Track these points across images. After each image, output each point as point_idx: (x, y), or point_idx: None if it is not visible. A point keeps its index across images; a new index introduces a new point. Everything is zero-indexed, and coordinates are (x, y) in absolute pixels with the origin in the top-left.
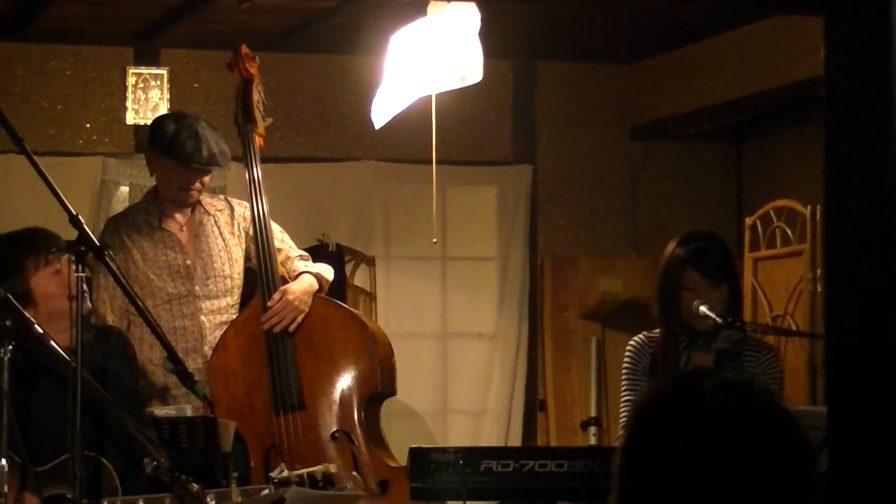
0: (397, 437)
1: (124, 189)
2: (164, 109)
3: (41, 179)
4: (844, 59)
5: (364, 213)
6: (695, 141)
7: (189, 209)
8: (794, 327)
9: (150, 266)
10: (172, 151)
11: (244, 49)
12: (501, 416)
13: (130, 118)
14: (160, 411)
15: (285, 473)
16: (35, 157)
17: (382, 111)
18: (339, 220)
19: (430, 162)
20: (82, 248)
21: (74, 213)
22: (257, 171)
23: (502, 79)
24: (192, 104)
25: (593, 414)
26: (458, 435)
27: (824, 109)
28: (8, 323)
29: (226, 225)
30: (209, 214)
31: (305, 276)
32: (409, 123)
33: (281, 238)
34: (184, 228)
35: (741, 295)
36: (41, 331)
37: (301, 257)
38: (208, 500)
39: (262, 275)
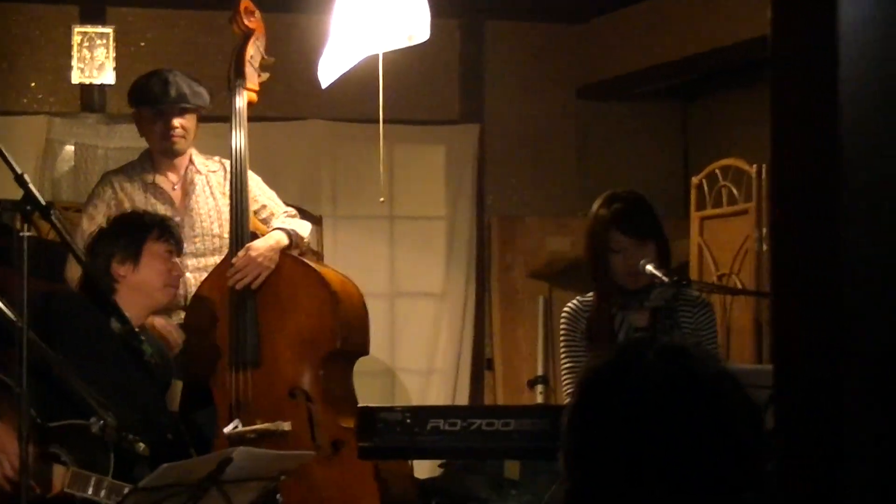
0: None
1: (69, 148)
2: (109, 69)
3: None
4: (791, 19)
5: (311, 173)
6: (643, 100)
7: (183, 169)
8: (740, 286)
9: None
10: (144, 97)
11: (244, 3)
12: (449, 375)
13: (76, 77)
14: None
15: (239, 428)
16: None
17: (329, 70)
18: (286, 179)
19: (378, 121)
20: (28, 208)
21: (20, 171)
22: (240, 127)
23: (450, 38)
24: (138, 63)
25: (540, 373)
26: (405, 394)
27: (770, 69)
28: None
29: (218, 185)
30: (201, 174)
31: (274, 232)
32: (356, 83)
33: (266, 195)
34: (176, 186)
35: (668, 249)
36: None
37: (287, 214)
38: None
39: (232, 231)
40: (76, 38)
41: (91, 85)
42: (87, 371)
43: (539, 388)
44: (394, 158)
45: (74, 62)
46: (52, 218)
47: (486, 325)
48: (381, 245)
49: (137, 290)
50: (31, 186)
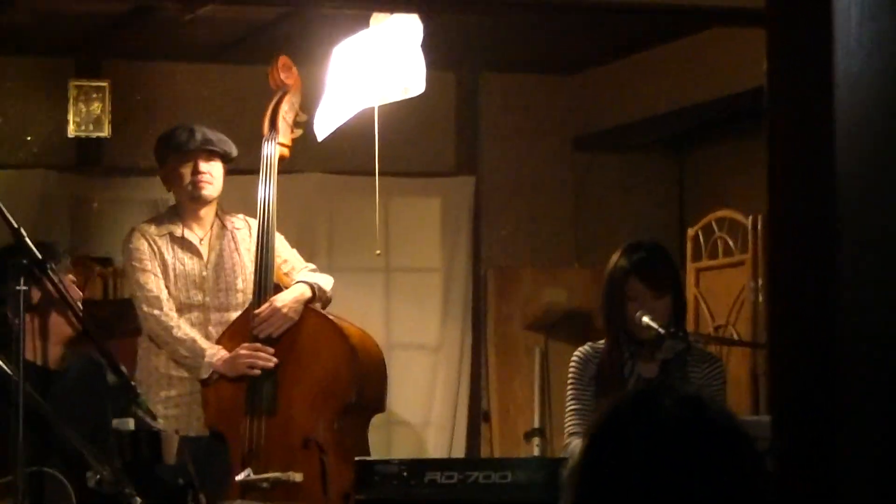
0: None
1: (65, 202)
2: (105, 122)
3: None
4: (787, 71)
5: (307, 225)
6: (637, 152)
7: (209, 223)
8: (736, 337)
9: (169, 273)
10: (169, 145)
11: (281, 59)
12: (445, 428)
13: (72, 130)
14: None
15: (251, 476)
16: None
17: (325, 123)
18: (282, 231)
19: (374, 173)
20: (24, 262)
21: (17, 225)
22: (268, 180)
23: (445, 90)
24: (133, 117)
25: (537, 425)
26: (401, 447)
27: (767, 120)
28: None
29: (243, 241)
30: (227, 229)
31: (299, 285)
32: (353, 135)
33: (288, 251)
34: (203, 240)
35: (685, 305)
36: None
37: (308, 269)
38: None
39: (256, 281)
40: (72, 92)
41: (87, 138)
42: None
43: (536, 440)
44: (389, 211)
45: (70, 115)
46: (49, 273)
47: (483, 376)
48: (377, 297)
49: (43, 333)
50: (27, 240)
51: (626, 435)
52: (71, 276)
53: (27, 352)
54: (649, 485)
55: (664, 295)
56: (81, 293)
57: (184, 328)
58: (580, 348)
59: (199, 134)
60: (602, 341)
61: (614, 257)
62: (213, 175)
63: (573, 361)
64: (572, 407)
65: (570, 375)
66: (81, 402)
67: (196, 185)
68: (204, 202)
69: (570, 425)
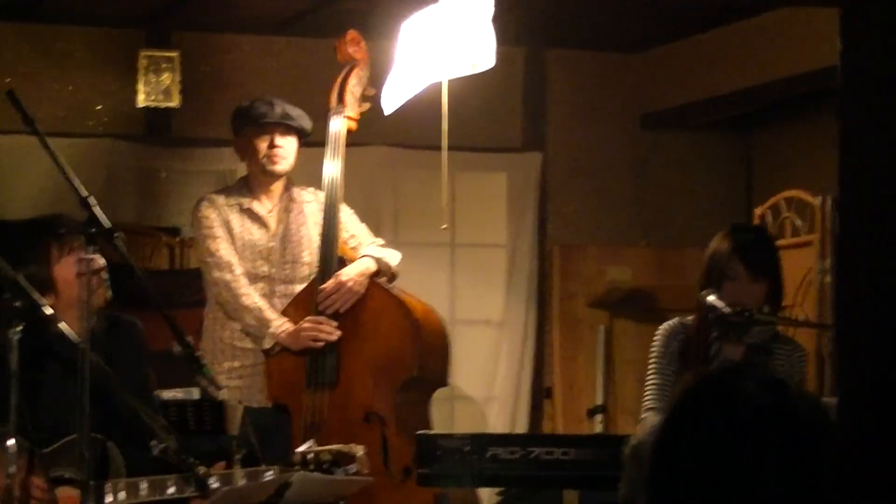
0: None
1: (133, 171)
2: (175, 93)
3: (52, 161)
4: (860, 50)
5: (373, 199)
6: (704, 130)
7: (278, 196)
8: (803, 317)
9: (236, 243)
10: (248, 117)
11: (350, 34)
12: (508, 403)
13: (141, 100)
14: (168, 394)
15: (314, 448)
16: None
17: (393, 96)
18: (348, 204)
19: (440, 148)
20: (93, 231)
21: (85, 194)
22: (336, 153)
23: (513, 66)
24: (202, 87)
25: (600, 402)
26: (464, 422)
27: (839, 101)
28: (17, 304)
29: (311, 215)
30: (296, 202)
31: (364, 259)
32: (420, 109)
33: (357, 226)
34: (271, 212)
35: (781, 292)
36: (50, 312)
37: (376, 244)
38: (212, 482)
39: (322, 255)
40: (142, 62)
41: (156, 108)
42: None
43: (598, 417)
44: (456, 185)
45: (140, 86)
46: (116, 241)
47: (546, 353)
48: (442, 272)
49: (69, 305)
50: (96, 209)
51: (705, 415)
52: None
53: (73, 320)
54: (725, 466)
55: (761, 280)
56: (104, 262)
57: (253, 296)
58: (667, 322)
59: (278, 108)
60: (690, 317)
61: (718, 237)
62: (288, 150)
63: (658, 335)
64: (653, 381)
65: (652, 349)
66: (122, 362)
67: (271, 158)
68: (276, 176)
69: (648, 400)
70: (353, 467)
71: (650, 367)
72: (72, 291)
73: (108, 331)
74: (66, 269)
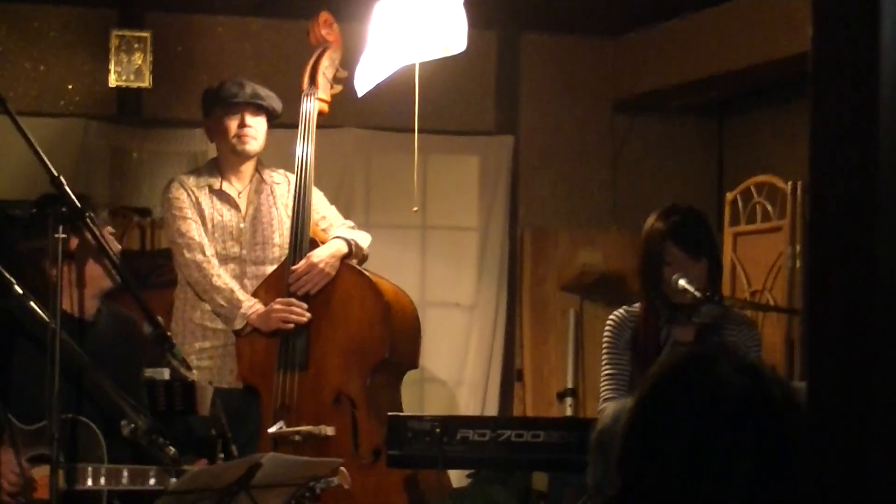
0: None
1: (105, 151)
2: (146, 73)
3: (24, 140)
4: (832, 36)
5: (345, 181)
6: (677, 115)
7: (249, 177)
8: (772, 303)
9: (207, 225)
10: (217, 97)
11: (323, 16)
12: (478, 387)
13: (113, 80)
14: None
15: (283, 429)
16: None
17: (365, 78)
18: (319, 186)
19: (413, 130)
20: (63, 210)
21: (56, 173)
22: (307, 136)
23: (486, 49)
24: (174, 69)
25: (570, 385)
26: (434, 404)
27: (810, 86)
28: None
29: (281, 196)
30: (266, 183)
31: (335, 241)
32: (392, 91)
33: (327, 208)
34: (241, 194)
35: (721, 269)
36: (21, 291)
37: (346, 226)
38: (184, 465)
39: (292, 236)
40: (114, 42)
41: (128, 89)
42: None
43: (568, 400)
44: (427, 168)
45: (112, 66)
46: (87, 220)
47: (517, 336)
48: (413, 254)
49: (79, 283)
50: (67, 189)
51: (680, 399)
52: (109, 229)
53: (63, 301)
54: (700, 450)
55: (700, 259)
56: (120, 246)
57: (224, 277)
58: (615, 312)
59: (248, 88)
60: (637, 305)
61: (650, 220)
62: (257, 129)
63: (608, 326)
64: (608, 371)
65: (605, 340)
66: (114, 354)
67: (240, 138)
68: (246, 156)
69: (605, 390)
70: (333, 480)
71: (603, 359)
72: (86, 267)
73: (108, 322)
74: (72, 244)
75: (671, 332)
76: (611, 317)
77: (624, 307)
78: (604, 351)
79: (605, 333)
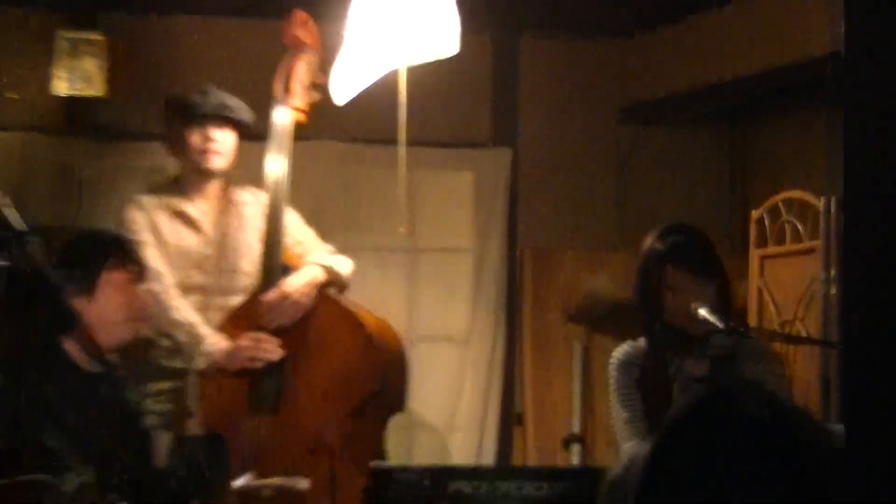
0: None
1: (51, 168)
2: (100, 80)
3: None
4: (866, 37)
5: (323, 200)
6: (692, 124)
7: (216, 197)
8: (805, 334)
9: (167, 250)
10: (180, 107)
11: (298, 15)
12: (473, 432)
13: (60, 88)
14: None
15: (251, 483)
16: None
17: (345, 85)
18: (294, 207)
19: (399, 143)
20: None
21: None
22: (280, 150)
23: (481, 53)
24: (132, 75)
25: (577, 430)
26: (423, 452)
27: (844, 90)
28: None
29: (251, 218)
30: (235, 204)
31: (311, 267)
32: (376, 100)
33: (303, 231)
34: (206, 214)
35: (730, 292)
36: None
37: (323, 251)
38: None
39: (264, 264)
40: (61, 44)
41: (79, 98)
42: (65, 422)
43: (575, 447)
44: (416, 184)
45: (58, 71)
46: (27, 244)
47: (517, 374)
48: (399, 282)
49: (95, 326)
50: (6, 210)
51: (699, 442)
52: None
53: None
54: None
55: (707, 282)
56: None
57: (184, 310)
58: (618, 351)
59: (214, 97)
60: (642, 339)
61: (647, 242)
62: (225, 144)
63: (613, 366)
64: (623, 416)
65: (612, 382)
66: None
67: (205, 154)
68: (212, 174)
69: (623, 436)
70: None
71: (614, 402)
72: (109, 306)
73: (106, 377)
74: (112, 281)
75: (682, 366)
76: (614, 354)
77: (628, 342)
78: (613, 394)
79: (612, 375)
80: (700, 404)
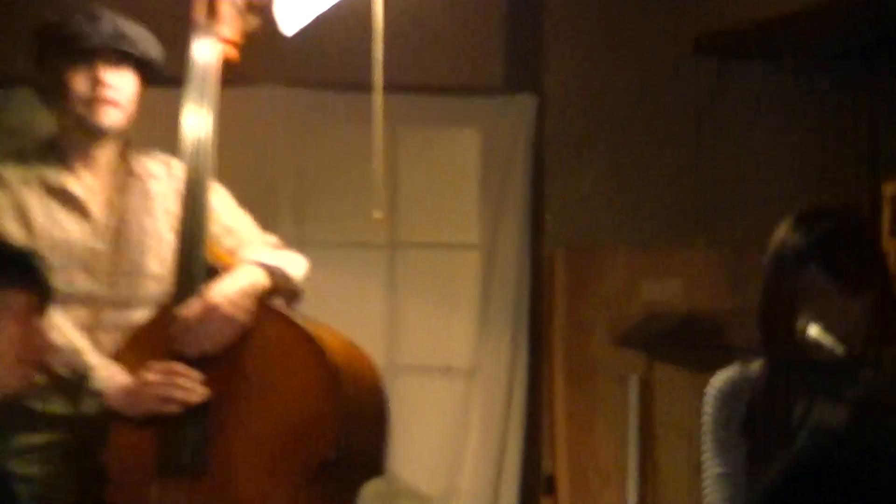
0: None
1: None
2: None
3: None
4: None
5: (265, 172)
6: (798, 61)
7: (109, 167)
8: None
9: (39, 243)
10: (58, 38)
11: None
12: (482, 501)
13: None
14: None
15: None
16: None
17: (296, 9)
18: (225, 176)
19: (373, 89)
20: None
21: None
22: (202, 99)
23: None
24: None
25: (633, 497)
26: None
27: None
28: None
29: (161, 197)
30: (137, 178)
31: (248, 268)
32: (339, 30)
33: (234, 214)
34: (96, 193)
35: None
36: None
37: (265, 244)
38: None
39: (179, 264)
40: None
41: None
42: None
43: None
44: (398, 149)
45: None
46: None
47: (544, 419)
48: (375, 288)
49: None
50: None
51: None
52: None
53: None
54: None
55: (862, 292)
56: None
57: (64, 329)
58: (719, 376)
59: (107, 24)
60: (756, 364)
61: (781, 232)
62: (122, 91)
63: (710, 398)
64: (715, 470)
65: (707, 421)
66: None
67: (94, 104)
68: (103, 134)
69: (713, 497)
70: None
71: (705, 448)
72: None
73: None
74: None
75: (812, 406)
76: (713, 383)
77: (737, 367)
78: (706, 438)
79: (706, 410)
80: (825, 465)
